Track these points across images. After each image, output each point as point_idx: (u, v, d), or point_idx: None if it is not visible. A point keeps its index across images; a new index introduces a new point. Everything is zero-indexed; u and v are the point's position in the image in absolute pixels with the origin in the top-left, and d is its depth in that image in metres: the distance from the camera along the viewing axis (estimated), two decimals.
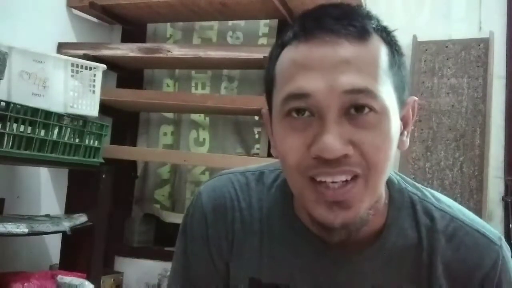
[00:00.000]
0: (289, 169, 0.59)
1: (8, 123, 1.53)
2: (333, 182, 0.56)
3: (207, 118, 2.39)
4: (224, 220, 0.70)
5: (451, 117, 2.06)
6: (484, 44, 2.06)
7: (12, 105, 1.53)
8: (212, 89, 2.39)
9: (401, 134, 0.62)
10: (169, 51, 2.15)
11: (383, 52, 0.59)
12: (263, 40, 2.33)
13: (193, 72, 2.43)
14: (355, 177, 0.56)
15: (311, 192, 0.57)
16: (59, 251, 2.03)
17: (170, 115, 2.45)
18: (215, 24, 2.42)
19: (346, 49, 0.56)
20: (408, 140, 0.64)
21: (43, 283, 1.70)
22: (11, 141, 1.55)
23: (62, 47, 2.21)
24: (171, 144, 2.44)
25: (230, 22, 2.39)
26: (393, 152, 0.59)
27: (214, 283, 0.71)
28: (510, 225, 1.94)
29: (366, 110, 0.55)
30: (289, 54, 0.59)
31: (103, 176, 1.96)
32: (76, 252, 1.94)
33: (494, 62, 2.03)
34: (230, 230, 0.70)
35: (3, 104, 1.51)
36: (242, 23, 2.38)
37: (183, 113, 2.41)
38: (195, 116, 2.40)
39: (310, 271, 0.66)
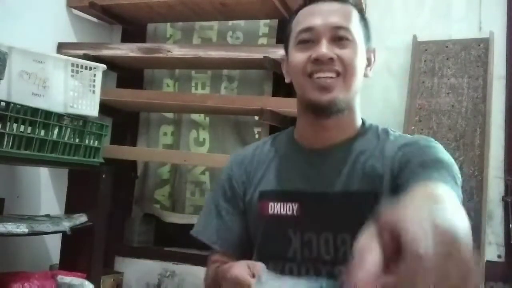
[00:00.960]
0: (297, 73, 0.94)
1: (8, 123, 1.53)
2: (324, 77, 0.90)
3: (207, 118, 2.39)
4: (241, 164, 1.05)
5: (451, 117, 2.06)
6: (484, 44, 2.06)
7: (12, 105, 1.53)
8: (212, 89, 2.39)
9: (366, 67, 0.99)
10: (169, 51, 2.15)
11: (355, 13, 0.97)
12: (263, 40, 2.33)
13: (193, 72, 2.43)
14: (337, 76, 0.91)
15: (309, 84, 0.92)
16: (59, 251, 2.03)
17: (170, 115, 2.45)
18: (215, 24, 2.42)
19: (333, 5, 0.96)
20: (371, 73, 1.00)
21: (43, 283, 1.70)
22: (11, 141, 1.55)
23: (62, 47, 2.21)
24: (171, 144, 2.44)
25: (230, 22, 2.39)
26: (360, 66, 0.94)
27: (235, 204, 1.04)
28: (510, 225, 1.94)
29: (344, 38, 0.92)
30: (303, 10, 0.98)
31: (103, 176, 1.96)
32: (76, 252, 1.94)
33: (494, 62, 2.03)
34: (245, 169, 1.04)
35: (3, 104, 1.51)
36: (242, 23, 2.38)
37: (183, 113, 2.41)
38: (195, 116, 2.40)
39: (305, 174, 0.96)
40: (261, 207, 0.98)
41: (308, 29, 0.93)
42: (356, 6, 0.98)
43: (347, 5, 0.97)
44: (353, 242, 0.73)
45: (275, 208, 0.96)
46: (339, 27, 0.92)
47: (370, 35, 1.00)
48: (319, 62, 0.90)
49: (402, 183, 0.83)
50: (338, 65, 0.90)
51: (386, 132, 0.98)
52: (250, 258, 0.98)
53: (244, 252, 1.01)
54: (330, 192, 0.93)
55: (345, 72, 0.91)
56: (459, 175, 0.84)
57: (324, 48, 0.90)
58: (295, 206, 0.95)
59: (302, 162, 0.98)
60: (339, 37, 0.92)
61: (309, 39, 0.92)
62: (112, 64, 2.21)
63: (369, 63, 1.00)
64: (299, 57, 0.93)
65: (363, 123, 1.01)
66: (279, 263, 0.94)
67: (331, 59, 0.90)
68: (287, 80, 1.01)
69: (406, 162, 0.87)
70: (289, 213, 0.95)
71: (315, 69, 0.90)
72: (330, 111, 0.92)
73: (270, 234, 0.98)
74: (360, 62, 0.94)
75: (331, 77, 0.90)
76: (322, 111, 0.92)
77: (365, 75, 0.98)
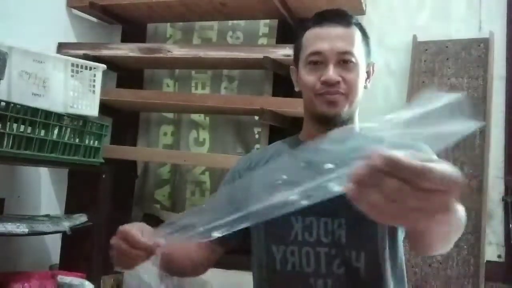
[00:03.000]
0: (308, 90, 1.08)
1: (8, 123, 1.53)
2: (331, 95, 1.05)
3: (207, 118, 2.39)
4: (246, 163, 1.17)
5: None
6: (484, 44, 2.06)
7: (12, 105, 1.53)
8: (212, 89, 2.39)
9: (366, 79, 1.12)
10: (169, 51, 2.15)
11: (358, 34, 1.09)
12: (263, 40, 2.33)
13: (193, 72, 2.43)
14: (341, 95, 1.05)
15: (319, 100, 1.06)
16: (59, 251, 2.03)
17: (170, 115, 2.45)
18: (215, 24, 2.42)
19: (340, 30, 1.07)
20: (369, 85, 1.14)
21: (43, 283, 1.70)
22: (11, 141, 1.55)
23: (62, 47, 2.21)
24: (171, 144, 2.44)
25: (230, 22, 2.39)
26: (361, 86, 1.08)
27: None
28: (510, 225, 1.94)
29: (348, 62, 1.05)
30: (313, 32, 1.09)
31: (103, 176, 1.96)
32: (76, 252, 1.94)
33: (494, 62, 2.03)
34: (249, 166, 1.15)
35: (3, 104, 1.51)
36: (242, 23, 2.38)
37: (183, 113, 2.41)
38: (195, 116, 2.40)
39: (295, 161, 1.02)
40: None
41: (317, 53, 1.05)
42: (357, 24, 1.10)
43: (351, 28, 1.08)
44: (348, 226, 1.01)
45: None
46: (344, 52, 1.05)
47: (370, 50, 1.13)
48: (327, 83, 1.04)
49: None
50: (343, 87, 1.04)
51: (380, 137, 1.04)
52: (241, 243, 1.12)
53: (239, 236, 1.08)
54: None
55: (348, 92, 1.05)
56: None
57: (331, 72, 1.04)
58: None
59: (306, 156, 1.03)
60: (344, 61, 1.05)
61: (318, 61, 1.06)
62: (112, 64, 2.21)
63: (368, 76, 1.13)
64: (309, 77, 1.07)
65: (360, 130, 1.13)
66: (281, 247, 1.03)
67: (337, 82, 1.04)
68: (296, 89, 1.16)
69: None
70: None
71: (324, 90, 1.05)
72: (335, 122, 1.06)
73: (272, 219, 1.02)
74: (361, 81, 1.08)
75: (336, 95, 1.05)
76: (328, 122, 1.06)
77: (365, 87, 1.12)
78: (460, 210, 0.78)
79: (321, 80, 1.05)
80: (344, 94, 1.05)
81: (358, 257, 0.99)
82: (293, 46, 1.17)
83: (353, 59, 1.05)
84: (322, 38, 1.06)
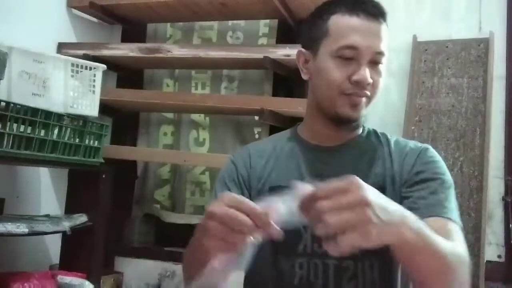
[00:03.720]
0: (331, 87, 0.96)
1: (8, 123, 1.53)
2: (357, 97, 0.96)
3: (207, 118, 2.39)
4: (243, 159, 1.08)
5: (451, 117, 2.06)
6: (484, 44, 2.06)
7: (12, 105, 1.53)
8: (212, 89, 2.39)
9: None
10: (169, 51, 2.15)
11: (388, 33, 0.97)
12: (263, 40, 2.33)
13: (193, 72, 2.43)
14: (366, 98, 0.96)
15: (342, 100, 0.96)
16: (59, 251, 2.03)
17: (170, 115, 2.45)
18: (215, 24, 2.42)
19: (379, 26, 0.96)
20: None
21: (43, 283, 1.70)
22: (11, 141, 1.55)
23: (62, 47, 2.21)
24: (171, 144, 2.44)
25: (230, 22, 2.39)
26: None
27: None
28: (510, 225, 1.94)
29: (380, 63, 0.96)
30: (344, 20, 0.96)
31: (103, 176, 1.96)
32: (76, 252, 1.94)
33: (494, 62, 2.03)
34: (244, 165, 1.07)
35: (3, 104, 1.51)
36: (242, 23, 2.38)
37: (183, 113, 2.41)
38: (195, 116, 2.40)
39: (316, 171, 1.00)
40: None
41: (353, 47, 0.94)
42: (386, 21, 1.00)
43: (385, 24, 0.97)
44: None
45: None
46: (379, 53, 0.95)
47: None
48: (358, 84, 0.94)
49: (408, 196, 0.95)
50: (370, 89, 0.96)
51: (385, 135, 1.07)
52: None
53: None
54: None
55: (372, 96, 0.97)
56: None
57: (366, 72, 0.94)
58: None
59: (312, 159, 1.03)
60: (376, 61, 0.96)
61: (351, 57, 0.94)
62: (112, 64, 2.21)
63: None
64: (337, 73, 0.95)
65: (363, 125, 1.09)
66: (290, 258, 0.96)
67: (368, 83, 0.95)
68: (305, 77, 1.04)
69: (416, 174, 0.97)
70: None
71: (353, 90, 0.95)
72: (352, 124, 1.00)
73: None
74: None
75: (361, 97, 0.97)
76: (345, 124, 0.99)
77: None
78: (456, 248, 0.81)
79: (352, 79, 0.94)
80: (369, 97, 0.97)
81: (371, 268, 0.94)
82: (306, 25, 1.04)
83: (383, 61, 0.97)
84: (359, 31, 0.94)
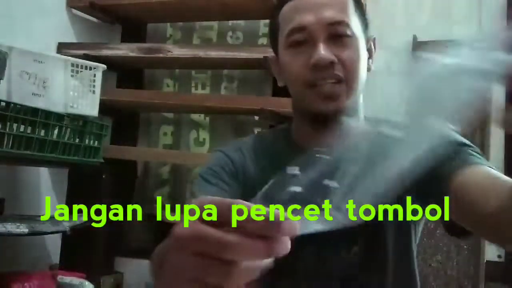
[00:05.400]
0: (295, 81, 0.83)
1: (8, 123, 1.53)
2: (327, 84, 0.80)
3: (207, 118, 2.39)
4: (237, 154, 0.91)
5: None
6: None
7: (12, 105, 1.53)
8: (212, 89, 2.39)
9: (368, 59, 0.87)
10: (169, 51, 2.15)
11: (350, 1, 0.84)
12: (263, 40, 2.33)
13: (193, 72, 2.43)
14: (339, 81, 0.80)
15: (312, 94, 0.81)
16: (59, 251, 2.03)
17: (170, 115, 2.45)
18: (215, 24, 2.41)
19: None
20: (372, 65, 0.89)
21: (43, 283, 1.70)
22: (11, 141, 1.55)
23: (62, 47, 2.20)
24: (171, 144, 2.44)
25: (230, 22, 2.39)
26: (364, 66, 0.84)
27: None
28: None
29: (344, 35, 0.81)
30: (288, 6, 0.85)
31: (103, 176, 1.96)
32: (76, 252, 1.94)
33: None
34: (233, 166, 0.89)
35: (3, 104, 1.51)
36: (242, 23, 2.38)
37: (183, 113, 2.41)
38: (195, 116, 2.40)
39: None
40: None
41: (300, 29, 0.80)
42: None
43: None
44: (364, 254, 0.82)
45: None
46: (336, 23, 0.80)
47: (368, 21, 0.89)
48: (318, 68, 0.79)
49: (436, 172, 0.74)
50: (339, 69, 0.79)
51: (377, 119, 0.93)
52: None
53: None
54: None
55: (348, 77, 0.80)
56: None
57: (322, 50, 0.78)
58: None
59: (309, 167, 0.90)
60: (337, 35, 0.80)
61: (303, 40, 0.81)
62: (112, 64, 2.21)
63: (370, 54, 0.89)
64: (294, 63, 0.82)
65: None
66: (287, 282, 0.84)
67: (331, 62, 0.79)
68: (280, 84, 0.90)
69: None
70: None
71: (316, 77, 0.79)
72: (336, 120, 0.78)
73: None
74: (363, 60, 0.83)
75: (333, 83, 0.80)
76: (327, 121, 0.81)
77: (368, 70, 0.87)
78: None
79: (310, 64, 0.79)
80: (344, 81, 0.80)
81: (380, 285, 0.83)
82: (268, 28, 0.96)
83: (348, 32, 0.81)
84: (304, 9, 0.81)
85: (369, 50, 0.89)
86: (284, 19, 0.85)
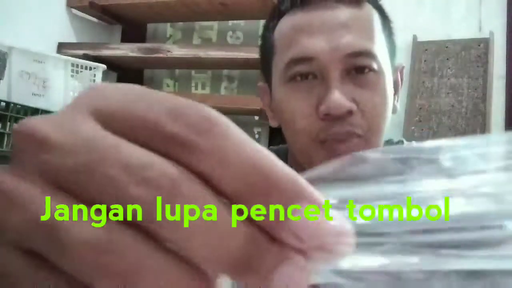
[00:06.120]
0: (297, 132, 0.59)
1: (8, 123, 1.53)
2: (339, 139, 0.57)
3: None
4: None
5: (451, 117, 2.06)
6: (484, 44, 2.06)
7: (12, 105, 1.53)
8: (212, 89, 2.39)
9: (394, 97, 0.64)
10: (169, 51, 2.15)
11: (376, 17, 0.61)
12: None
13: (193, 72, 2.43)
14: (357, 136, 0.57)
15: (318, 151, 0.58)
16: None
17: None
18: (215, 24, 2.42)
19: (344, 13, 0.58)
20: (398, 105, 0.66)
21: None
22: (11, 141, 1.55)
23: (62, 47, 2.21)
24: None
25: (230, 22, 2.39)
26: (389, 113, 0.61)
27: None
28: None
29: (366, 70, 0.58)
30: (288, 21, 0.61)
31: None
32: None
33: (494, 62, 2.03)
34: None
35: (3, 104, 1.51)
36: (242, 23, 2.38)
37: None
38: None
39: None
40: None
41: (306, 59, 0.58)
42: (372, 1, 0.62)
43: (363, 7, 0.60)
44: None
45: None
46: (357, 54, 0.57)
47: (395, 44, 0.67)
48: (331, 118, 0.56)
49: None
50: (358, 120, 0.57)
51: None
52: None
53: None
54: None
55: (369, 130, 0.57)
56: None
57: (338, 92, 0.55)
58: None
59: None
60: (356, 68, 0.58)
61: (308, 74, 0.58)
62: (112, 64, 2.21)
63: (396, 89, 0.65)
64: (296, 107, 0.59)
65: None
66: None
67: (349, 111, 0.56)
68: (273, 124, 0.67)
69: None
70: None
71: (327, 131, 0.57)
72: None
73: None
74: (389, 104, 0.60)
75: (349, 139, 0.57)
76: None
77: (393, 112, 0.63)
78: None
79: (320, 110, 0.56)
80: (363, 136, 0.57)
81: None
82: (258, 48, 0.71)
83: (374, 65, 0.58)
84: (310, 30, 0.58)
85: (395, 84, 0.65)
86: (282, 39, 0.61)
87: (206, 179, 0.16)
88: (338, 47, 0.57)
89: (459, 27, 2.14)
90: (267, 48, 0.65)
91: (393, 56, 0.65)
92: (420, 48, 2.16)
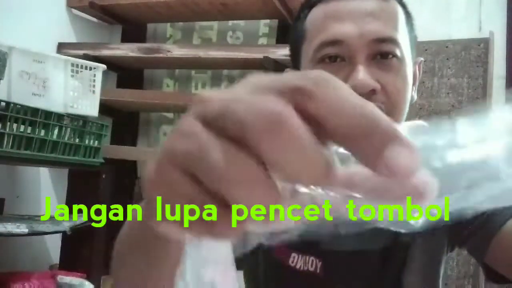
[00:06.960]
0: None
1: (8, 123, 1.53)
2: None
3: None
4: None
5: (451, 117, 2.06)
6: (484, 44, 2.06)
7: (12, 105, 1.53)
8: (212, 89, 2.39)
9: (412, 87, 0.69)
10: (169, 51, 2.15)
11: (400, 11, 0.67)
12: (263, 40, 2.33)
13: (193, 72, 2.43)
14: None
15: None
16: (59, 251, 2.03)
17: (170, 115, 2.45)
18: (215, 24, 2.42)
19: (372, 3, 0.65)
20: (416, 95, 0.73)
21: (43, 283, 1.70)
22: (11, 141, 1.55)
23: (62, 47, 2.21)
24: None
25: (230, 22, 2.39)
26: (409, 97, 0.66)
27: None
28: None
29: (390, 56, 0.64)
30: (320, 10, 0.67)
31: (103, 176, 1.96)
32: (76, 252, 1.94)
33: (494, 62, 2.03)
34: None
35: (3, 104, 1.51)
36: (242, 23, 2.38)
37: (183, 113, 2.41)
38: None
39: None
40: (279, 251, 0.77)
41: (335, 42, 0.64)
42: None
43: (389, 0, 0.67)
44: None
45: (297, 261, 0.75)
46: (383, 39, 0.63)
47: (416, 39, 0.73)
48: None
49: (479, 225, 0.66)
50: (381, 99, 0.63)
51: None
52: None
53: None
54: (368, 250, 0.71)
55: (391, 109, 0.63)
56: None
57: (363, 73, 0.61)
58: (319, 264, 0.73)
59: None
60: (381, 54, 0.64)
61: (336, 56, 0.64)
62: (112, 64, 2.21)
63: (414, 80, 0.72)
64: None
65: None
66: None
67: (373, 90, 0.62)
68: None
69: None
70: (311, 269, 0.74)
71: None
72: None
73: None
74: (409, 90, 0.67)
75: None
76: None
77: (411, 100, 0.69)
78: None
79: None
80: (383, 110, 0.56)
81: None
82: (289, 37, 0.76)
83: (397, 51, 0.64)
84: (340, 16, 0.64)
85: (414, 75, 0.71)
86: (314, 26, 0.67)
87: (319, 122, 0.22)
88: (365, 32, 0.63)
89: (459, 27, 2.14)
90: (298, 37, 0.71)
91: (413, 49, 0.70)
92: (420, 48, 2.16)
